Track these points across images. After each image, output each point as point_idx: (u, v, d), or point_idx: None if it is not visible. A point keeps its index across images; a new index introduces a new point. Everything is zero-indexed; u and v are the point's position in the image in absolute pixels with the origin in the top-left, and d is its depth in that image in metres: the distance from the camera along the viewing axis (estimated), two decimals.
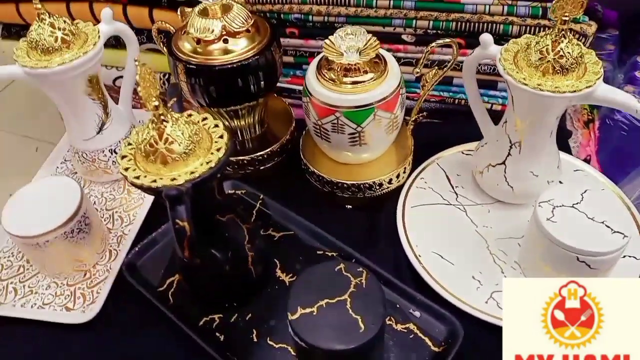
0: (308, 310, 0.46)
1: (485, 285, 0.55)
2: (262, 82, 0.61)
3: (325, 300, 0.46)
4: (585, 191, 0.53)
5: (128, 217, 0.66)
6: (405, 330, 0.53)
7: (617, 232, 0.49)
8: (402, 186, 0.65)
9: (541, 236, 0.51)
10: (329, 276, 0.48)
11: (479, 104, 0.62)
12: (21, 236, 0.54)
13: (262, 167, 0.68)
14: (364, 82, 0.57)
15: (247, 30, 0.59)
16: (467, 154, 0.69)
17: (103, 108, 0.65)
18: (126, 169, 0.45)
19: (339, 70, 0.57)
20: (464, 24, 0.73)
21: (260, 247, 0.57)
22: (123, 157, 0.46)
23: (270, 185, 0.67)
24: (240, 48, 0.59)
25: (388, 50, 0.77)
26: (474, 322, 0.53)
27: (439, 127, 0.77)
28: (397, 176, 0.64)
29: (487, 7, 0.72)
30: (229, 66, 0.58)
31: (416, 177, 0.66)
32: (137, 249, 0.61)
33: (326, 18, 0.78)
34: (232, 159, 0.67)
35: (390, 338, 0.52)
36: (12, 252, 0.63)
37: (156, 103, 0.43)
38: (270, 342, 0.53)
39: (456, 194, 0.65)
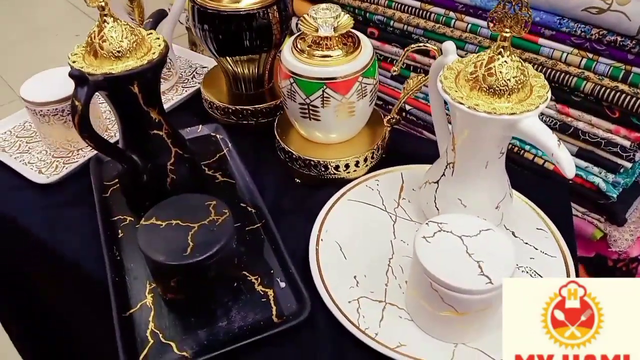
0: (158, 222, 0.50)
1: (360, 288, 0.53)
2: (255, 40, 0.66)
3: (177, 221, 0.50)
4: (487, 229, 0.48)
5: None
6: (262, 293, 0.53)
7: (485, 275, 0.44)
8: (354, 179, 0.65)
9: (413, 254, 0.47)
10: (197, 205, 0.51)
11: (440, 116, 0.59)
12: (24, 99, 0.67)
13: (244, 122, 0.73)
14: (329, 57, 0.58)
15: None
16: None
17: None
18: (74, 54, 0.53)
19: (310, 42, 0.59)
20: (537, 66, 0.70)
21: (188, 176, 0.61)
22: (81, 46, 0.55)
23: (245, 140, 0.72)
24: (247, 3, 0.65)
25: None
26: (326, 316, 0.51)
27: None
28: (347, 166, 0.64)
29: (565, 55, 0.68)
30: (221, 14, 0.64)
31: (371, 177, 0.65)
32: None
33: (405, 27, 0.80)
34: (220, 103, 0.73)
35: (245, 292, 0.53)
36: None
37: (102, 4, 0.50)
38: None
39: (397, 204, 0.62)
